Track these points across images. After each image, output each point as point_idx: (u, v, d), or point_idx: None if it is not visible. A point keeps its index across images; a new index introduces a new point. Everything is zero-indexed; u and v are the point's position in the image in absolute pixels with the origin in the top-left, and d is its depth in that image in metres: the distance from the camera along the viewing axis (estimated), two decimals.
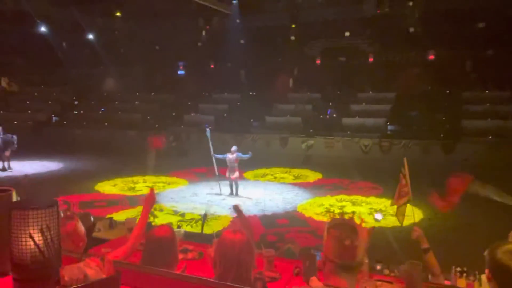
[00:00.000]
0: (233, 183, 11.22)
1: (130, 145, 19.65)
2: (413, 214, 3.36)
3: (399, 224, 3.39)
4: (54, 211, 1.40)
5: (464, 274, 3.11)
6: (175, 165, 15.25)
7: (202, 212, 9.65)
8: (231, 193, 11.27)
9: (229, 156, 11.01)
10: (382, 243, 5.85)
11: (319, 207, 10.41)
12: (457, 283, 3.04)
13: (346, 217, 1.93)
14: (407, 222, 3.50)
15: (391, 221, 8.17)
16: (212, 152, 11.15)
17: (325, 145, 18.55)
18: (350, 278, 1.80)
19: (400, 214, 3.39)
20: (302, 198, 11.33)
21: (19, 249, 1.35)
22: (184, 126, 21.60)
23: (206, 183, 12.78)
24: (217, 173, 11.24)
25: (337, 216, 1.94)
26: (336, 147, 18.31)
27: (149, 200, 2.95)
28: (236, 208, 3.48)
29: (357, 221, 1.91)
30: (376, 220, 9.55)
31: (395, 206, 3.45)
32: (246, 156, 11.06)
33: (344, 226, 1.85)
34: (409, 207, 3.40)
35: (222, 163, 11.29)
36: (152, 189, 2.95)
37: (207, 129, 11.30)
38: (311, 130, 19.52)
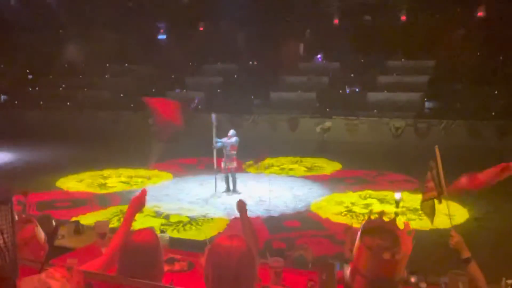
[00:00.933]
0: (230, 176, 11.36)
1: (99, 130, 19.62)
2: (449, 214, 3.38)
3: (438, 227, 3.43)
4: (8, 210, 1.42)
5: None
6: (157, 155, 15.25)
7: (191, 214, 9.78)
8: (228, 189, 11.40)
9: (227, 142, 11.16)
10: (418, 250, 5.86)
11: (338, 205, 10.57)
12: None
13: (386, 219, 1.85)
14: (445, 223, 3.55)
15: (429, 223, 8.13)
16: (214, 143, 11.08)
17: (346, 127, 18.56)
18: None
19: (426, 212, 3.53)
20: (316, 194, 11.51)
21: None
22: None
23: (196, 177, 12.88)
24: (216, 166, 11.42)
25: (374, 217, 1.87)
26: (360, 130, 18.31)
27: (136, 203, 2.92)
28: (240, 206, 3.39)
29: (401, 226, 1.83)
30: (396, 201, 9.94)
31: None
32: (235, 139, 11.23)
33: (383, 234, 1.79)
34: (445, 205, 3.45)
35: (217, 152, 11.36)
36: (144, 191, 2.96)
37: (213, 115, 11.22)
38: (327, 109, 19.46)
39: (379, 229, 1.82)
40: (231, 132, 11.38)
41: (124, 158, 13.99)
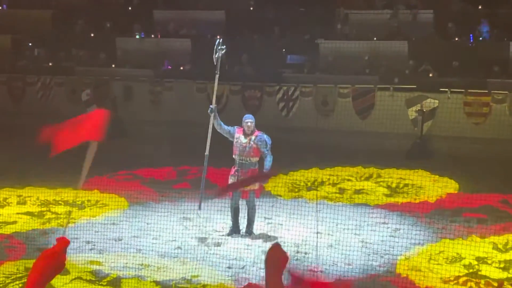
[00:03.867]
0: (244, 205, 8.77)
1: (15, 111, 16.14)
2: None
3: None
4: None
5: None
6: (100, 163, 11.33)
7: (164, 277, 7.78)
8: (235, 230, 8.90)
9: (240, 135, 8.58)
10: None
11: (450, 264, 8.15)
12: None
13: None
14: None
15: None
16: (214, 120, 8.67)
17: (466, 110, 13.58)
18: None
19: None
20: (408, 242, 8.80)
21: None
22: (117, 65, 16.41)
23: (172, 204, 10.05)
24: (203, 186, 8.94)
25: None
26: (495, 116, 13.49)
27: (48, 264, 2.59)
28: (276, 258, 2.60)
29: None
30: None
31: None
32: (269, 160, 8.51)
33: None
34: None
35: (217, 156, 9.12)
36: (63, 242, 2.70)
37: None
38: (431, 75, 14.23)
39: None
40: (248, 117, 8.70)
41: (40, 165, 10.64)
